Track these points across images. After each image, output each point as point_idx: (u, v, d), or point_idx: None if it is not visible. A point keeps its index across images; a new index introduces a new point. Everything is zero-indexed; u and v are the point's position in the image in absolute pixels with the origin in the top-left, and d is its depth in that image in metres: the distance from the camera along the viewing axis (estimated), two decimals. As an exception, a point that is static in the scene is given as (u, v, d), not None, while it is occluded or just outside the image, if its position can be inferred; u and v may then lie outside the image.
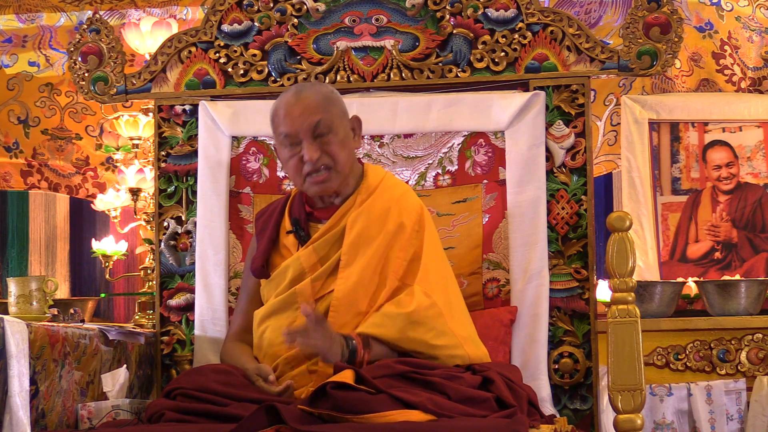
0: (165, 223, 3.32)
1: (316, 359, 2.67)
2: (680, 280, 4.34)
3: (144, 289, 4.41)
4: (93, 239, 4.66)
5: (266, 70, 3.30)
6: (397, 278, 2.74)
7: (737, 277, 4.33)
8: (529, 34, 3.20)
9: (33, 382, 2.58)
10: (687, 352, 4.05)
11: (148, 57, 4.42)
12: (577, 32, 3.18)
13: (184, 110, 3.33)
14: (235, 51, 3.31)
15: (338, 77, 3.26)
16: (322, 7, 3.28)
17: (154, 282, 3.33)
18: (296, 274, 2.78)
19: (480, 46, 3.22)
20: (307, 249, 2.80)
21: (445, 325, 2.68)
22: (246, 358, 2.82)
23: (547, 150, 3.17)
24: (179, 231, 3.31)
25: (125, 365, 3.00)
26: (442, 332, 2.67)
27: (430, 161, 3.24)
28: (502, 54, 3.21)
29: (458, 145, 3.23)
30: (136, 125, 4.57)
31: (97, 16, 3.39)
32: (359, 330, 2.65)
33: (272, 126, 2.83)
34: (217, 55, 3.31)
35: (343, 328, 2.67)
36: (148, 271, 4.33)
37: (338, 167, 2.77)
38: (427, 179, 3.24)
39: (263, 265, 2.88)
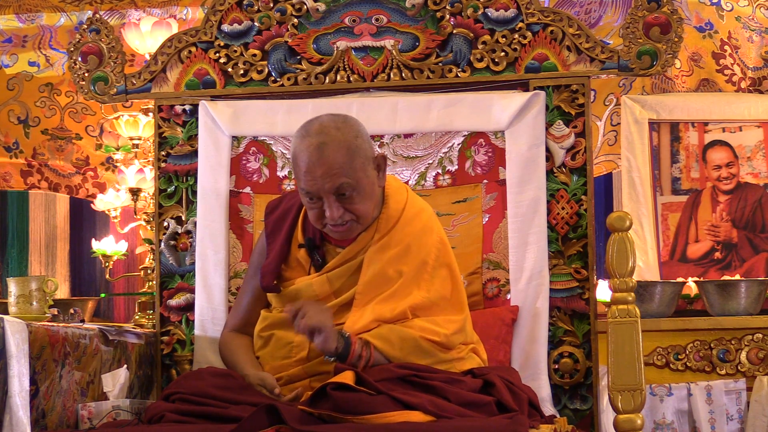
0: (165, 223, 3.32)
1: (317, 377, 2.64)
2: (680, 280, 4.34)
3: (144, 289, 4.41)
4: (93, 239, 4.66)
5: (266, 70, 3.29)
6: (414, 315, 2.67)
7: (737, 277, 4.33)
8: (529, 34, 3.20)
9: (33, 382, 2.58)
10: (687, 352, 4.05)
11: (148, 57, 4.42)
12: (577, 32, 3.18)
13: (184, 110, 3.33)
14: (235, 51, 3.31)
15: (338, 77, 3.26)
16: (322, 7, 3.28)
17: (154, 282, 3.33)
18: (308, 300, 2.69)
19: (480, 46, 3.22)
20: (321, 277, 2.73)
21: (445, 356, 2.65)
22: (246, 357, 2.80)
23: (547, 150, 3.16)
24: (179, 231, 3.31)
25: (125, 365, 3.00)
26: (437, 361, 2.63)
27: (430, 161, 3.24)
28: (502, 54, 3.21)
29: (458, 145, 3.23)
30: (136, 125, 4.57)
31: (97, 16, 3.39)
32: (366, 336, 2.61)
33: (292, 168, 2.72)
34: (217, 55, 3.31)
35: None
36: (148, 271, 4.33)
37: (361, 220, 2.69)
38: (427, 179, 3.24)
39: (274, 280, 2.81)
